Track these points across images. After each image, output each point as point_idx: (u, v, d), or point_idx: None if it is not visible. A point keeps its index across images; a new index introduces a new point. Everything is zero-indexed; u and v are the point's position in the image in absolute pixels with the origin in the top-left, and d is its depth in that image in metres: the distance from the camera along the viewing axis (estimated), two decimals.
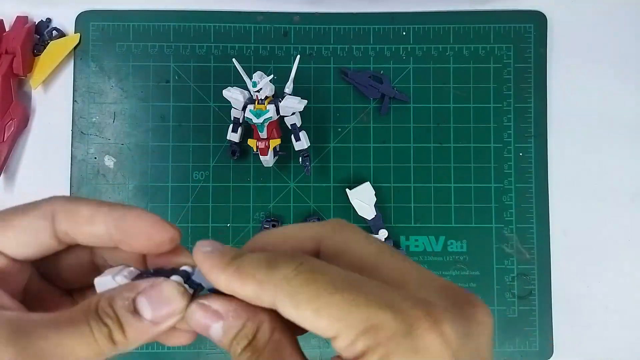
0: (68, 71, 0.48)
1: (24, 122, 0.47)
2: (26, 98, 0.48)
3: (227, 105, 0.45)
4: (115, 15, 0.48)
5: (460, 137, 0.48)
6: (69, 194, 0.47)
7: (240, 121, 0.44)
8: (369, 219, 0.46)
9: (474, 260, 0.47)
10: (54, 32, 0.48)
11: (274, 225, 0.46)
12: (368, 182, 0.44)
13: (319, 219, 0.46)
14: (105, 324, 0.22)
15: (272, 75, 0.42)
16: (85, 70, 0.48)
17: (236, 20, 0.48)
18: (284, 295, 0.19)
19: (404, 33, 0.49)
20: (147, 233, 0.24)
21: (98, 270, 0.25)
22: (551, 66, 0.49)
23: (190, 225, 0.47)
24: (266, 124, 0.42)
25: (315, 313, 0.19)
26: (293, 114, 0.43)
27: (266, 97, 0.42)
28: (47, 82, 0.48)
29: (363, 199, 0.46)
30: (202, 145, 0.47)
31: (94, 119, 0.48)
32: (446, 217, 0.47)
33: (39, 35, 0.48)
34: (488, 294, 0.47)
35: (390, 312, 0.18)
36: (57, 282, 0.26)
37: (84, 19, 0.48)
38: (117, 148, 0.47)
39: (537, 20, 0.49)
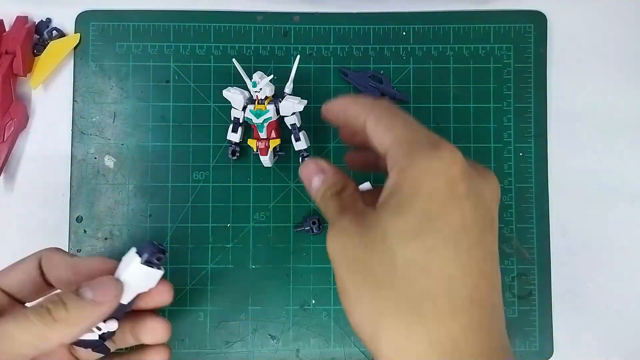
0: (68, 71, 0.48)
1: (24, 122, 0.47)
2: (26, 98, 0.48)
3: (227, 105, 0.45)
4: (115, 15, 0.48)
5: (460, 137, 0.48)
6: (69, 194, 0.47)
7: (240, 121, 0.44)
8: None
9: None
10: (54, 32, 0.48)
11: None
12: (368, 182, 0.44)
13: (318, 220, 0.46)
14: (46, 307, 0.26)
15: (272, 75, 0.42)
16: (85, 70, 0.48)
17: (236, 20, 0.48)
18: (371, 115, 0.27)
19: (404, 33, 0.49)
20: (101, 271, 0.33)
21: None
22: (551, 66, 0.49)
23: (190, 225, 0.47)
24: (266, 124, 0.43)
25: (387, 129, 0.26)
26: (293, 114, 0.44)
27: (266, 97, 0.43)
28: (47, 82, 0.48)
29: None
30: (202, 145, 0.47)
31: (94, 119, 0.48)
32: None
33: (39, 35, 0.48)
34: None
35: (434, 136, 0.25)
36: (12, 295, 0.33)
37: (84, 19, 0.48)
38: (117, 148, 0.47)
39: (537, 20, 0.49)
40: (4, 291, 0.31)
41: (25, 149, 0.48)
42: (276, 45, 0.48)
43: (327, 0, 0.49)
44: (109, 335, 0.32)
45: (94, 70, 0.48)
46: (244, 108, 0.43)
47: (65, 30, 0.48)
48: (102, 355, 0.34)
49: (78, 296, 0.27)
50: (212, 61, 0.48)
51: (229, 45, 0.48)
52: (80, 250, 0.46)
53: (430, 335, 0.21)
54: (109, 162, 0.47)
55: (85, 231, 0.47)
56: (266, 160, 0.44)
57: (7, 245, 0.47)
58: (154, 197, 0.47)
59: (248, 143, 0.44)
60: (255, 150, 0.44)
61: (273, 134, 0.44)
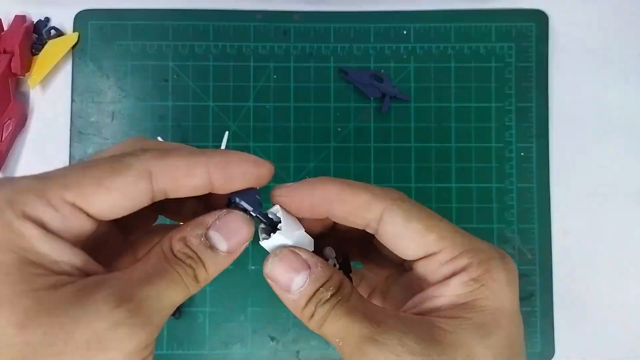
0: (66, 70, 0.48)
1: (22, 121, 0.47)
2: (24, 97, 0.48)
3: (227, 105, 0.45)
4: (114, 14, 0.48)
5: (462, 136, 0.48)
6: None
7: None
8: None
9: None
10: (52, 31, 0.48)
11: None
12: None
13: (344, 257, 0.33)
14: (190, 266, 0.22)
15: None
16: (83, 70, 0.47)
17: (235, 18, 0.48)
18: (397, 209, 0.22)
19: (405, 32, 0.48)
20: (251, 174, 0.24)
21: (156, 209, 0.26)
22: (553, 65, 0.48)
23: None
24: None
25: (426, 228, 0.22)
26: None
27: None
28: (45, 82, 0.48)
29: None
30: (201, 145, 0.47)
31: (93, 119, 0.47)
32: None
33: (37, 34, 0.48)
34: None
35: (487, 243, 0.23)
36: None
37: (83, 18, 0.48)
38: None
39: (538, 19, 0.48)
40: (93, 219, 0.21)
41: (24, 149, 0.48)
42: (276, 44, 0.48)
43: None
44: None
45: (92, 70, 0.48)
46: None
47: (63, 30, 0.48)
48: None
49: (213, 251, 0.23)
50: (211, 60, 0.48)
51: (228, 44, 0.48)
52: None
53: None
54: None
55: None
56: None
57: None
58: None
59: None
60: None
61: None
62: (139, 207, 0.22)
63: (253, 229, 0.24)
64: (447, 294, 0.22)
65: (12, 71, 0.46)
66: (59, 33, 0.48)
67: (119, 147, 0.24)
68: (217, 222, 0.23)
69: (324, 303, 0.22)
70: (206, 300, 0.46)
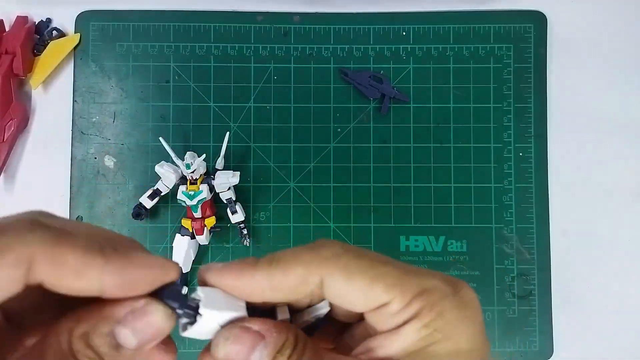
0: (68, 71, 0.48)
1: (24, 122, 0.47)
2: (26, 98, 0.48)
3: (228, 105, 0.46)
4: (115, 15, 0.48)
5: (460, 137, 0.48)
6: (69, 194, 0.47)
7: (162, 194, 0.45)
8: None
9: (474, 260, 0.47)
10: (54, 32, 0.48)
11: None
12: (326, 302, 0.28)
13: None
14: None
15: (204, 155, 0.42)
16: (85, 70, 0.48)
17: (236, 20, 0.48)
18: (335, 270, 0.20)
19: (404, 33, 0.49)
20: (153, 281, 0.20)
21: (60, 304, 0.21)
22: (551, 66, 0.49)
23: None
24: (200, 205, 0.43)
25: (370, 281, 0.20)
26: (229, 188, 0.44)
27: (198, 178, 0.43)
28: (47, 82, 0.48)
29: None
30: (202, 146, 0.47)
31: (94, 119, 0.48)
32: (446, 217, 0.47)
33: (39, 35, 0.48)
34: (488, 294, 0.47)
35: (438, 278, 0.21)
36: (9, 316, 0.22)
37: (84, 19, 0.48)
38: (117, 148, 0.47)
39: (537, 20, 0.49)
40: None
41: (25, 149, 0.48)
42: (276, 45, 0.48)
43: (327, 0, 0.49)
44: None
45: (94, 70, 0.48)
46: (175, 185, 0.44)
47: (65, 30, 0.48)
48: None
49: (118, 352, 0.20)
50: (212, 61, 0.48)
51: (228, 45, 0.48)
52: None
53: None
54: (109, 162, 0.47)
55: None
56: (202, 239, 0.44)
57: None
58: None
59: (182, 224, 0.44)
60: (190, 231, 0.44)
61: (207, 212, 0.44)
62: (9, 296, 0.19)
63: (173, 325, 0.21)
64: (399, 342, 0.21)
65: (14, 72, 0.46)
66: (61, 34, 0.48)
67: (11, 217, 0.19)
68: (129, 317, 0.20)
69: None
70: None
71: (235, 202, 0.44)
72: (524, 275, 0.47)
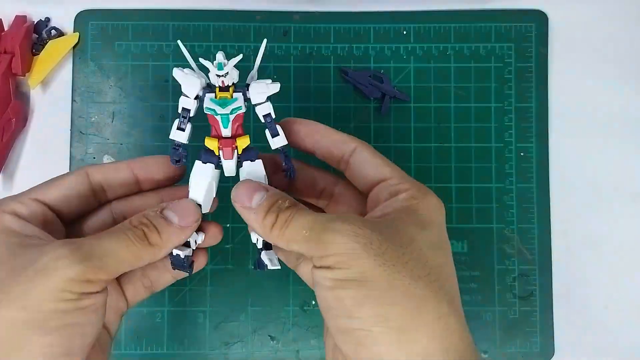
0: (67, 70, 0.48)
1: (23, 121, 0.47)
2: (25, 97, 0.48)
3: None
4: (114, 14, 0.48)
5: (461, 136, 0.48)
6: None
7: (192, 114, 0.34)
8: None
9: (475, 261, 0.47)
10: (53, 32, 0.48)
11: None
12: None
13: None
14: (141, 229, 0.28)
15: (241, 55, 0.32)
16: (84, 70, 0.48)
17: (235, 19, 0.48)
18: (365, 147, 0.32)
19: (405, 32, 0.48)
20: (165, 171, 0.33)
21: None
22: (552, 65, 0.48)
23: None
24: (232, 117, 0.32)
25: (384, 162, 0.31)
26: (267, 100, 0.33)
27: (231, 85, 0.32)
28: (45, 82, 0.48)
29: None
30: (201, 145, 0.47)
31: (93, 119, 0.47)
32: (447, 217, 0.47)
33: (38, 34, 0.48)
34: (489, 294, 0.47)
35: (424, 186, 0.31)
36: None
37: (83, 18, 0.48)
38: (116, 148, 0.47)
39: (538, 20, 0.48)
40: (50, 207, 0.30)
41: (24, 149, 0.48)
42: (276, 45, 0.48)
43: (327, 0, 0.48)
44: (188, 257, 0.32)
45: (92, 70, 0.48)
46: (197, 97, 0.33)
47: (64, 30, 0.48)
48: (146, 296, 0.35)
49: (166, 221, 0.29)
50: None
51: (228, 44, 0.48)
52: None
53: (458, 323, 0.27)
54: (108, 161, 0.47)
55: None
56: (230, 167, 0.33)
57: None
58: None
59: (206, 144, 0.33)
60: (216, 153, 0.33)
61: (239, 130, 0.33)
62: (83, 196, 0.31)
63: (200, 212, 0.31)
64: (395, 204, 0.29)
65: (13, 71, 0.46)
66: (60, 33, 0.48)
67: None
68: (171, 204, 0.30)
69: (285, 209, 0.28)
70: (206, 300, 0.46)
71: (275, 120, 0.33)
72: (525, 276, 0.47)
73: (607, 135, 0.48)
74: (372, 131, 0.48)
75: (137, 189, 0.33)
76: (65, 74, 0.48)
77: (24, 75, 0.47)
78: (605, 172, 0.48)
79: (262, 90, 0.33)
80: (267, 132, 0.33)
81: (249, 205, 0.29)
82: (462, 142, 0.48)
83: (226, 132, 0.33)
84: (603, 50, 0.49)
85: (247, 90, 0.33)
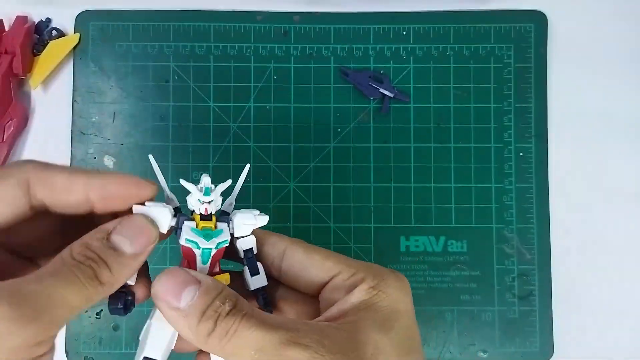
0: (68, 71, 0.48)
1: (24, 122, 0.47)
2: (26, 98, 0.48)
3: (228, 105, 0.45)
4: (115, 15, 0.48)
5: (461, 137, 0.48)
6: None
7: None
8: None
9: (474, 261, 0.47)
10: (54, 32, 0.48)
11: None
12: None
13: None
14: (89, 266, 0.22)
15: (229, 181, 0.29)
16: (84, 70, 0.48)
17: (236, 19, 0.48)
18: (297, 246, 0.27)
19: (404, 33, 0.48)
20: (130, 195, 0.25)
21: (64, 235, 0.25)
22: (552, 66, 0.49)
23: None
24: (214, 252, 0.26)
25: (324, 257, 0.26)
26: (251, 233, 0.29)
27: (213, 214, 0.27)
28: (46, 82, 0.48)
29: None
30: (202, 145, 0.47)
31: (94, 119, 0.48)
32: (446, 217, 0.47)
33: (39, 35, 0.48)
34: (488, 294, 0.47)
35: (377, 265, 0.27)
36: (21, 252, 0.26)
37: (84, 19, 0.48)
38: (116, 148, 0.47)
39: (537, 20, 0.49)
40: None
41: (25, 149, 0.48)
42: (276, 45, 0.48)
43: (327, 0, 0.48)
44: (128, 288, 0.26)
45: (93, 70, 0.48)
46: (174, 229, 0.27)
47: (64, 30, 0.48)
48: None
49: (116, 252, 0.23)
50: (211, 61, 0.48)
51: (228, 45, 0.48)
52: None
53: None
54: (109, 162, 0.47)
55: None
56: None
57: None
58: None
59: None
60: None
61: (217, 267, 0.27)
62: (19, 215, 0.23)
63: (157, 230, 0.25)
64: (352, 299, 0.25)
65: (14, 72, 0.46)
66: (60, 34, 0.48)
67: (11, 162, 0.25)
68: (118, 226, 0.23)
69: (225, 316, 0.22)
70: None
71: (255, 256, 0.28)
72: (524, 276, 0.47)
73: (606, 135, 0.48)
74: (372, 131, 0.48)
75: (88, 211, 0.25)
76: (66, 75, 0.48)
77: (25, 76, 0.47)
78: (604, 172, 0.48)
79: (249, 222, 0.28)
80: (245, 270, 0.28)
81: (177, 305, 0.22)
82: (462, 142, 0.48)
83: (203, 268, 0.27)
84: (602, 50, 0.49)
85: (230, 218, 0.28)
